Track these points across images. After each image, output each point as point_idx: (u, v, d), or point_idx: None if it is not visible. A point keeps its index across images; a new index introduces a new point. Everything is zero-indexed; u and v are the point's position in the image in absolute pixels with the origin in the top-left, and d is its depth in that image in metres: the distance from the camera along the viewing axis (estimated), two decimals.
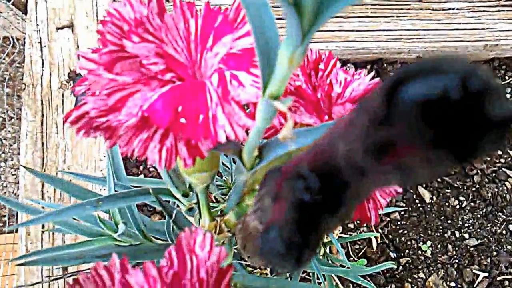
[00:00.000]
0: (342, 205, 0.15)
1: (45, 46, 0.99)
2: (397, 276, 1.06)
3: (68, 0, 1.01)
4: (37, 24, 1.00)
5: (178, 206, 0.40)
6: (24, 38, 1.04)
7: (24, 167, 0.48)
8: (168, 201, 0.40)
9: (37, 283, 0.91)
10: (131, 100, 0.23)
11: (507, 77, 1.16)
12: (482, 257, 1.05)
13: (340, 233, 1.01)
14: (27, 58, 0.99)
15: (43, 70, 0.99)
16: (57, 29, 0.99)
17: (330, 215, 0.15)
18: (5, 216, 1.14)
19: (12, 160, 1.17)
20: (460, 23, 1.09)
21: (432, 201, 1.08)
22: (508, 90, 1.16)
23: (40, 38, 0.99)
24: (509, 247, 1.06)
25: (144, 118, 0.22)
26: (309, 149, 0.16)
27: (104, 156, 0.95)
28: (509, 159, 1.12)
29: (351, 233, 1.06)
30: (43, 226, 0.94)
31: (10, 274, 0.94)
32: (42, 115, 0.97)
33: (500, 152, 1.12)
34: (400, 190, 0.31)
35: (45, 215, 0.35)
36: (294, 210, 0.15)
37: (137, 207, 0.42)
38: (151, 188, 0.36)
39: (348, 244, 1.06)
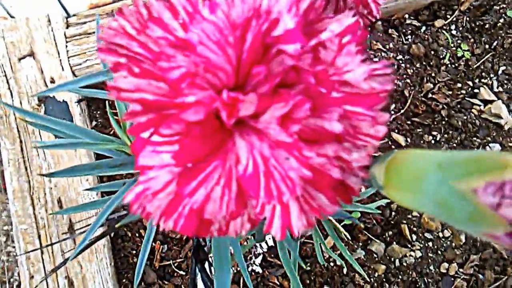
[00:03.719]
0: None
1: (10, 78, 1.04)
2: (392, 222, 1.09)
3: (25, 31, 1.06)
4: None
5: None
6: None
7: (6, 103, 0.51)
8: None
9: None
10: None
11: (448, 16, 1.23)
12: None
13: None
14: None
15: (12, 100, 1.03)
16: (19, 59, 1.05)
17: None
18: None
19: None
20: None
21: (408, 143, 1.12)
22: (453, 27, 1.22)
23: (5, 71, 1.04)
24: None
25: None
26: None
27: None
28: (469, 89, 1.17)
29: None
30: (40, 245, 0.96)
31: None
32: (21, 141, 1.01)
33: (460, 85, 1.17)
34: None
35: (64, 83, 0.38)
36: None
37: None
38: None
39: None
